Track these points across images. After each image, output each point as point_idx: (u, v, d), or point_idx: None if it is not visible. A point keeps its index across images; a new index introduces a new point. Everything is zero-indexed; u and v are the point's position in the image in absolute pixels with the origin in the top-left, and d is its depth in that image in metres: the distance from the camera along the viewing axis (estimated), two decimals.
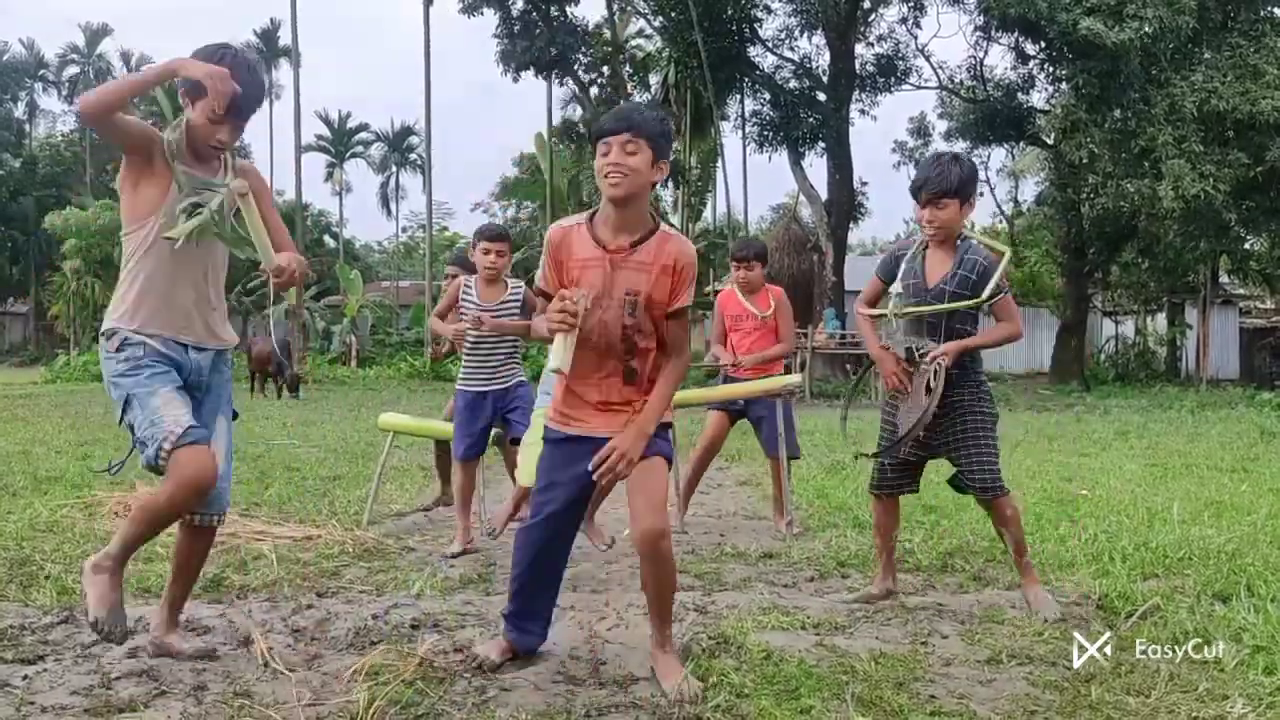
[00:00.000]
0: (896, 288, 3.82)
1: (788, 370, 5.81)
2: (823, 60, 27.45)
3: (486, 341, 4.93)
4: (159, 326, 2.95)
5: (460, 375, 5.05)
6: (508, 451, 5.26)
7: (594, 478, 2.90)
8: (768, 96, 27.88)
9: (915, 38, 27.94)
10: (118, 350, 2.93)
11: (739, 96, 29.09)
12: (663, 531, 2.89)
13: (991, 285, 3.65)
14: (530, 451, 4.36)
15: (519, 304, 4.95)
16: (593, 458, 2.90)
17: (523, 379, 5.09)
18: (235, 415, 3.21)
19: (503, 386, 4.97)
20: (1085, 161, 22.53)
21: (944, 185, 3.65)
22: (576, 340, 2.85)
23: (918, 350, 3.71)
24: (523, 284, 5.07)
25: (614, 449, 2.86)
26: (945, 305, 3.70)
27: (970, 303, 3.69)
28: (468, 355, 4.99)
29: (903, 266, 3.84)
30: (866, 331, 3.94)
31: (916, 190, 3.75)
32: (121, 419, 2.91)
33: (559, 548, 3.14)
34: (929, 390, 3.64)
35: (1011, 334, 3.81)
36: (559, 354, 2.82)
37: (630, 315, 2.89)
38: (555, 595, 3.23)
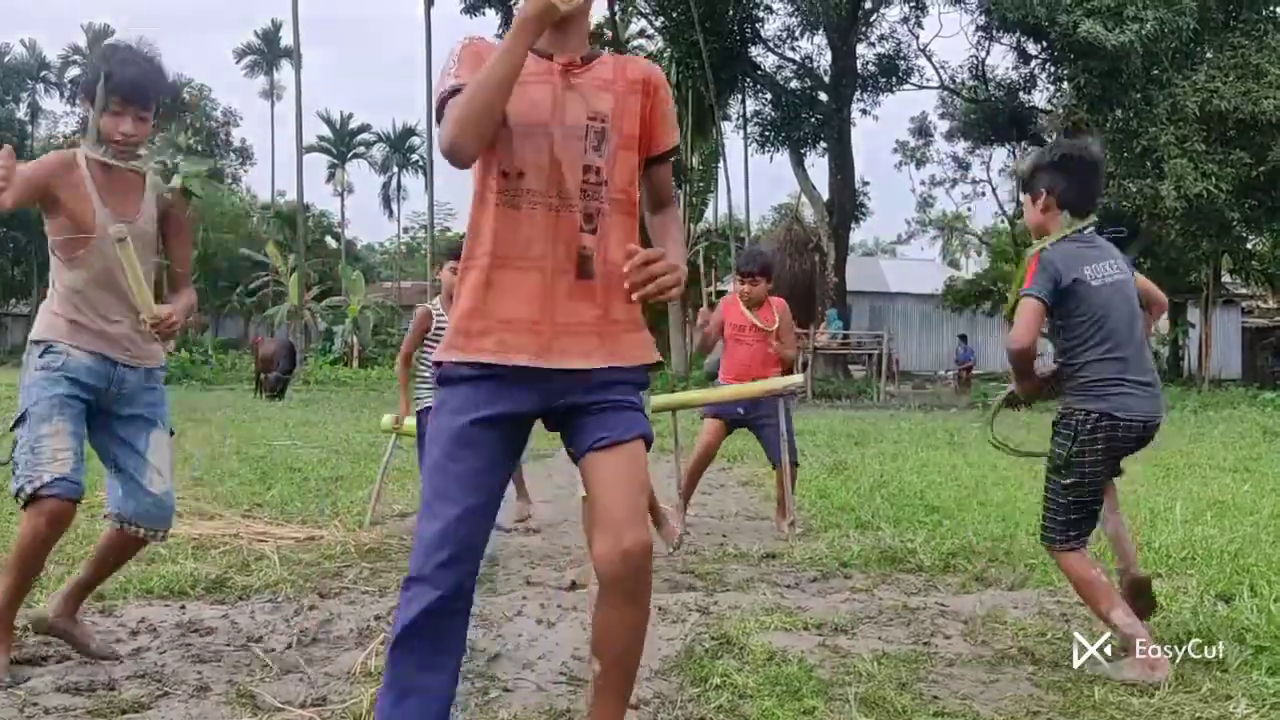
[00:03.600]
0: None
1: (789, 371, 5.80)
2: (824, 60, 27.50)
3: None
4: (84, 340, 2.92)
5: (419, 395, 4.88)
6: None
7: (633, 290, 1.94)
8: (769, 96, 27.93)
9: (917, 38, 28.05)
10: (40, 356, 2.92)
11: (740, 96, 29.11)
12: (648, 548, 1.97)
13: (1011, 294, 3.25)
14: None
15: None
16: (526, 394, 2.01)
17: None
18: (172, 433, 3.14)
19: None
20: None
21: (1020, 184, 3.49)
22: (505, 196, 2.01)
23: None
24: None
25: (665, 258, 1.95)
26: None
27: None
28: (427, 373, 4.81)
29: None
30: None
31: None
32: (14, 426, 2.89)
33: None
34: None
35: (1009, 348, 3.22)
36: None
37: (595, 152, 2.03)
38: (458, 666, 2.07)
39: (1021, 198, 3.42)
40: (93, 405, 2.96)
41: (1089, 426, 3.09)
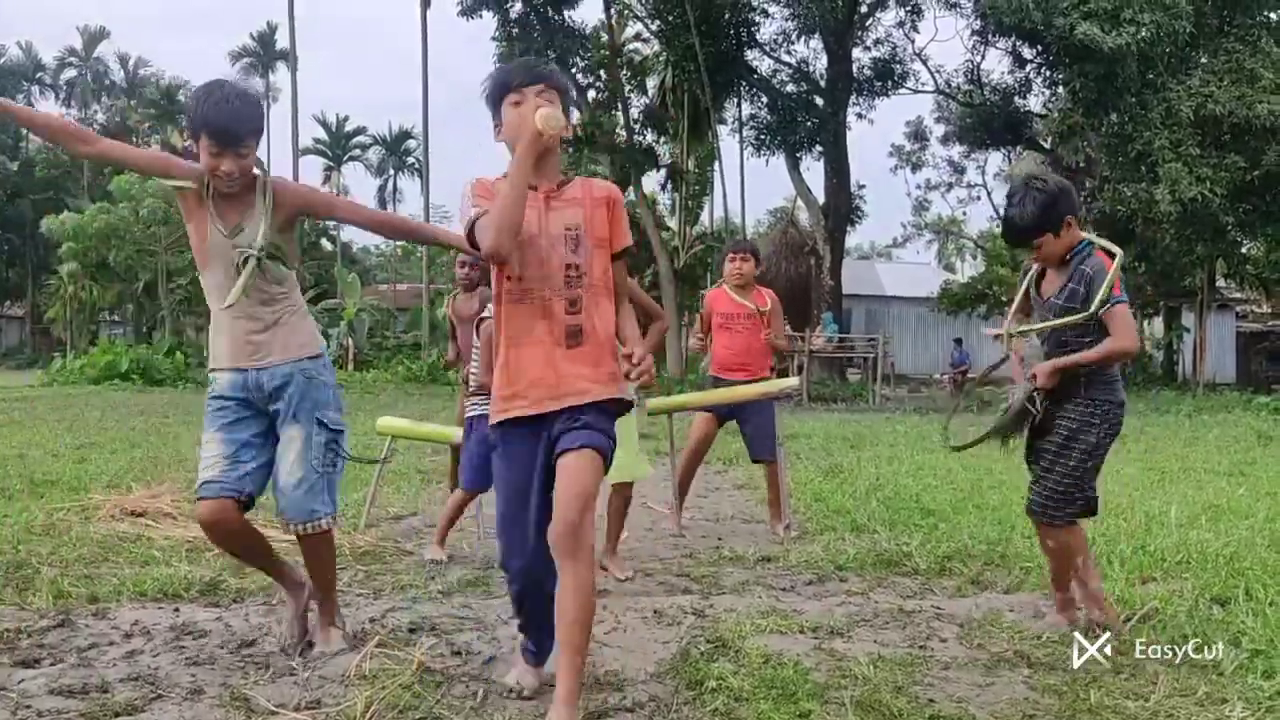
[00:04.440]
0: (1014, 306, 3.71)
1: (784, 373, 5.79)
2: (820, 64, 27.51)
3: None
4: (220, 358, 3.18)
5: (474, 400, 4.63)
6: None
7: (631, 374, 2.70)
8: (765, 100, 27.91)
9: (912, 42, 28.01)
10: (210, 383, 3.25)
11: (736, 100, 29.09)
12: (572, 526, 2.57)
13: (1100, 295, 3.35)
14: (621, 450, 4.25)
15: None
16: (540, 440, 2.71)
17: None
18: (324, 425, 3.20)
19: None
20: (1082, 165, 22.58)
21: (1029, 230, 3.47)
22: (512, 294, 2.70)
23: (1026, 371, 3.58)
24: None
25: (639, 353, 2.69)
26: (1049, 323, 3.49)
27: (1074, 318, 3.42)
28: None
29: (1024, 284, 3.69)
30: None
31: (1007, 241, 3.74)
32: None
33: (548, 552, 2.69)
34: (1023, 413, 3.52)
35: (1115, 350, 3.39)
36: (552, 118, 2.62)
37: (573, 253, 2.71)
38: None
39: (1038, 240, 3.49)
40: (253, 411, 3.17)
41: (1116, 416, 3.49)
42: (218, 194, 3.12)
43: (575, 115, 3.05)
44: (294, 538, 3.21)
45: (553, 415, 2.70)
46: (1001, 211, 3.70)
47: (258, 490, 3.15)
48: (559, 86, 2.76)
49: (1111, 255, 3.49)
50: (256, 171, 3.16)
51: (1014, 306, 3.73)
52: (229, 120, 3.00)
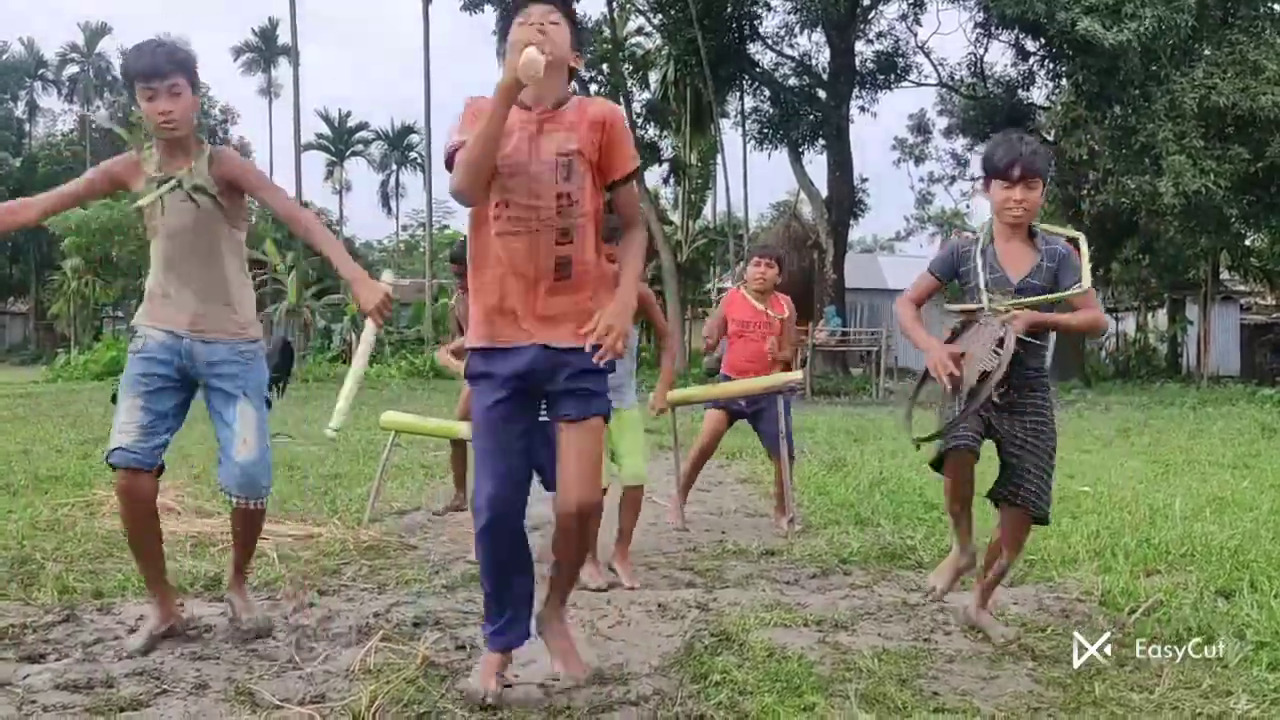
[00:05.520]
0: (981, 283, 3.43)
1: (788, 367, 5.77)
2: (822, 57, 27.42)
3: None
4: (156, 319, 3.18)
5: None
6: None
7: (594, 358, 2.54)
8: (767, 94, 27.84)
9: (915, 34, 27.91)
10: (131, 340, 3.26)
11: (739, 94, 29.05)
12: (595, 506, 2.70)
13: (1086, 271, 3.33)
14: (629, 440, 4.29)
15: None
16: (525, 364, 2.62)
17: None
18: (269, 404, 3.33)
19: None
20: (1085, 158, 22.55)
21: (1037, 165, 3.30)
22: (499, 226, 2.60)
23: (983, 316, 3.41)
24: None
25: (602, 323, 2.53)
26: (1053, 296, 3.35)
27: (1072, 291, 3.32)
28: None
29: (975, 262, 3.45)
30: (911, 326, 3.66)
31: (1006, 166, 3.31)
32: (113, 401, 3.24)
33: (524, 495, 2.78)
34: (1000, 345, 3.26)
35: (1098, 322, 3.50)
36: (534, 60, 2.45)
37: (565, 180, 2.58)
38: (532, 575, 2.87)
39: (1031, 182, 3.33)
40: (179, 381, 3.19)
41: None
42: (162, 156, 3.17)
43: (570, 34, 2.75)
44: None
45: (538, 359, 2.63)
46: (1003, 147, 3.35)
47: (162, 460, 3.22)
48: (567, 11, 2.63)
49: (1073, 240, 3.50)
50: (216, 149, 3.21)
51: (982, 285, 3.47)
52: (147, 58, 3.08)
